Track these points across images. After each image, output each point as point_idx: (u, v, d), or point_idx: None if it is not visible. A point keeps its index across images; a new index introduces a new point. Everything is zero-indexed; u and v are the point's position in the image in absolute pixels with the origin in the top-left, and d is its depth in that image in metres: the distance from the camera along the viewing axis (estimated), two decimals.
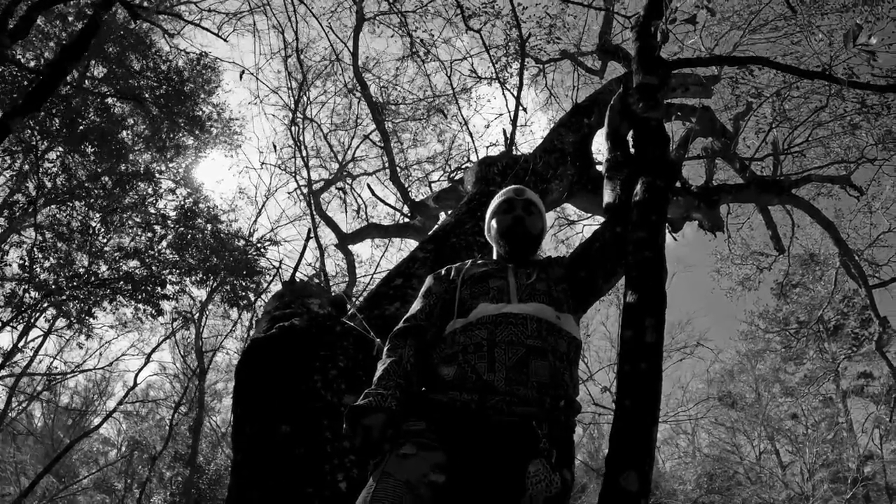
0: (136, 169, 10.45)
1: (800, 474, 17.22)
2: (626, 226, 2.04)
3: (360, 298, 7.21)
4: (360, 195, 10.31)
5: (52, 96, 5.07)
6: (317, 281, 6.30)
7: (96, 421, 21.33)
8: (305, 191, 8.47)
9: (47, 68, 4.65)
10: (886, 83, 5.50)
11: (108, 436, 23.83)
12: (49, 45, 9.80)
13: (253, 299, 10.47)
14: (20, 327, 12.54)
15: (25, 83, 8.37)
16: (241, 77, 6.84)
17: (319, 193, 9.49)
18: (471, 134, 11.01)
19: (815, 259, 12.50)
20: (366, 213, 10.07)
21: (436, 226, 6.57)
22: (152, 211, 10.45)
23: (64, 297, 9.42)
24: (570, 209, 9.42)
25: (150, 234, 10.19)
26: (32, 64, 9.20)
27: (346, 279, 9.41)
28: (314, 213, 7.84)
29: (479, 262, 2.03)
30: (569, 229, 9.61)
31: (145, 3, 8.52)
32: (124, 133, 10.28)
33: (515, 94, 5.80)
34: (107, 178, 9.90)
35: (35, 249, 9.16)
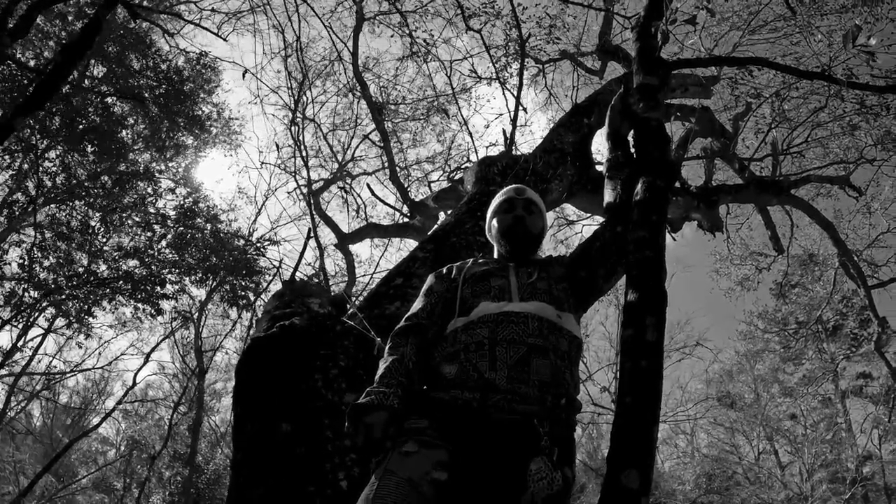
0: (136, 168, 10.46)
1: (798, 474, 17.25)
2: (626, 225, 2.05)
3: (360, 298, 7.22)
4: (359, 195, 10.30)
5: (55, 95, 5.07)
6: (316, 280, 6.31)
7: (95, 420, 21.33)
8: (305, 190, 8.48)
9: (52, 66, 4.65)
10: (885, 84, 5.51)
11: (107, 435, 23.85)
12: (49, 44, 9.80)
13: (252, 299, 10.47)
14: (20, 326, 12.55)
15: (25, 82, 8.38)
16: (243, 76, 6.86)
17: (319, 193, 9.50)
18: (470, 134, 11.03)
19: (814, 259, 12.53)
20: (365, 212, 10.08)
21: (436, 225, 6.58)
22: (152, 210, 10.46)
23: (63, 297, 9.42)
24: (570, 209, 9.44)
25: (149, 234, 10.20)
26: (32, 63, 9.20)
27: (346, 279, 9.42)
28: (314, 212, 7.85)
29: (481, 260, 2.04)
30: (568, 229, 9.63)
31: (145, 3, 8.53)
32: (124, 132, 10.28)
33: (515, 94, 5.81)
34: (106, 178, 9.91)
35: (35, 248, 9.16)
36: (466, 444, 1.55)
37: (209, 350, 17.65)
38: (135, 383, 15.52)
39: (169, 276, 9.92)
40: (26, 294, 9.62)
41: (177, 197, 10.94)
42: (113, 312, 10.70)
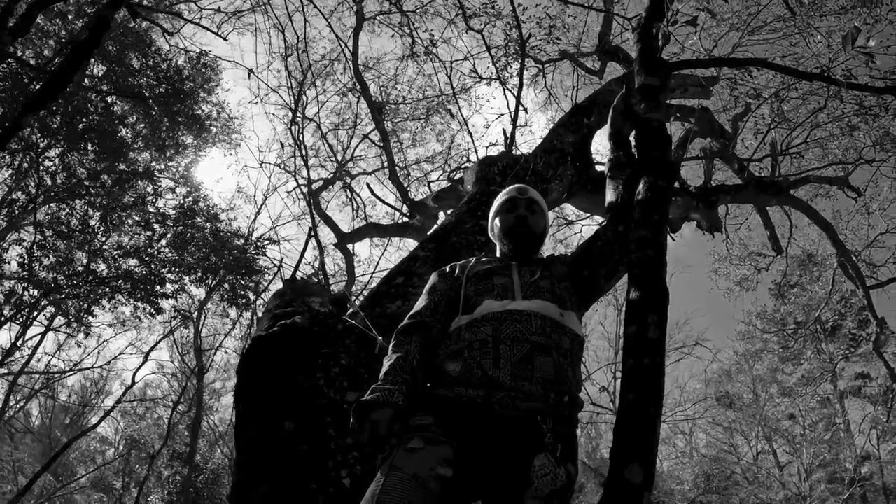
0: (136, 167, 10.46)
1: (797, 474, 17.27)
2: (628, 225, 2.07)
3: (360, 298, 7.24)
4: (358, 194, 10.31)
5: (62, 93, 5.08)
6: (316, 280, 6.32)
7: (94, 419, 21.29)
8: (305, 190, 8.49)
9: (60, 64, 4.66)
10: (885, 85, 5.53)
11: (105, 434, 23.83)
12: (49, 42, 9.80)
13: (252, 298, 10.48)
14: (20, 323, 12.54)
15: (26, 80, 8.38)
16: (249, 76, 6.84)
17: (319, 192, 9.50)
18: (470, 134, 11.05)
19: (813, 260, 12.56)
20: (364, 212, 10.09)
21: (436, 225, 6.59)
22: (152, 209, 10.46)
23: (63, 296, 9.43)
24: (569, 209, 9.44)
25: (149, 233, 10.20)
26: (32, 62, 9.20)
27: (346, 278, 9.43)
28: (314, 212, 7.86)
29: (483, 259, 2.05)
30: (567, 229, 9.62)
31: (145, 2, 8.53)
32: (124, 131, 10.29)
33: (515, 94, 5.82)
34: (106, 177, 9.91)
35: (34, 247, 9.16)
36: (471, 441, 1.57)
37: (208, 349, 17.64)
38: (134, 382, 15.50)
39: (168, 275, 9.93)
40: (26, 293, 9.62)
41: (176, 196, 10.96)
42: (112, 311, 10.71)
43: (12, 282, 9.75)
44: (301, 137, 7.30)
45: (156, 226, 10.28)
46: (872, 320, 8.05)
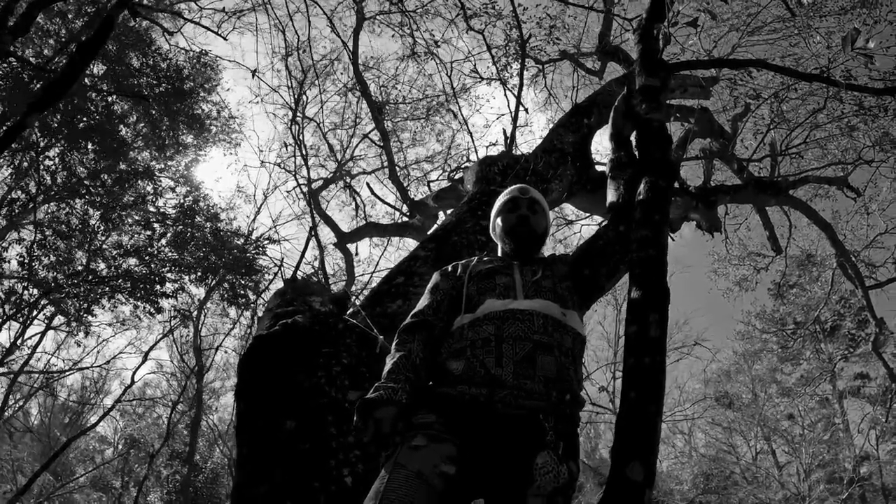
0: (136, 167, 10.46)
1: (796, 474, 17.27)
2: (629, 224, 2.08)
3: (360, 297, 7.24)
4: (358, 194, 10.31)
5: (67, 92, 5.09)
6: (316, 279, 6.33)
7: (93, 419, 21.27)
8: (305, 189, 8.50)
9: (67, 63, 4.67)
10: (884, 86, 5.55)
11: (105, 434, 23.83)
12: (49, 41, 9.81)
13: (252, 298, 10.48)
14: (19, 322, 12.54)
15: (26, 79, 8.38)
16: (253, 76, 6.85)
17: (319, 192, 9.51)
18: (470, 133, 11.06)
19: (812, 260, 12.56)
20: (364, 212, 10.09)
21: (436, 225, 6.60)
22: (152, 209, 10.47)
23: (63, 295, 9.42)
24: (568, 209, 9.46)
25: (149, 232, 10.21)
26: (32, 61, 9.20)
27: (346, 278, 9.43)
28: (314, 211, 7.87)
29: (485, 258, 2.06)
30: (567, 229, 9.63)
31: (145, 2, 8.53)
32: (124, 131, 10.29)
33: (516, 94, 5.83)
34: (106, 176, 9.91)
35: (34, 247, 9.17)
36: (474, 439, 1.58)
37: (208, 349, 17.65)
38: (133, 382, 15.48)
39: (168, 274, 9.94)
40: (26, 292, 9.62)
41: (176, 195, 10.96)
42: (112, 311, 10.72)
43: (12, 281, 9.75)
44: (301, 137, 7.32)
45: (156, 225, 10.28)
46: (871, 320, 8.06)
